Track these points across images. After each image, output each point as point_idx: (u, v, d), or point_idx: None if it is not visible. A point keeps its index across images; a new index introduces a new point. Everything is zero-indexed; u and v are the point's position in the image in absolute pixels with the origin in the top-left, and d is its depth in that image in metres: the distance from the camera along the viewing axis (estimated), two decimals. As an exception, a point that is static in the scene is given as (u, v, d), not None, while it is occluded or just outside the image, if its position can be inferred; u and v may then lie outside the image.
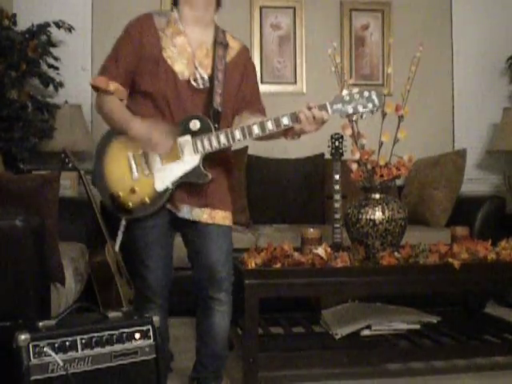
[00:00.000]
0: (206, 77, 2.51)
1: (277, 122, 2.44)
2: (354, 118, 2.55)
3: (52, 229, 2.75)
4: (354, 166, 3.24)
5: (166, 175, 2.47)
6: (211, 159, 2.52)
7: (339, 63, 3.28)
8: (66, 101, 4.64)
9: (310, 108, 2.44)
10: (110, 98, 2.52)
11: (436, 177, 4.65)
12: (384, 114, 3.21)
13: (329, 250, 3.00)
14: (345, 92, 2.48)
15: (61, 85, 4.55)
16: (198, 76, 2.50)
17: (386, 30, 5.33)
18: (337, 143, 3.66)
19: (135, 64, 2.49)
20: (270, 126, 2.43)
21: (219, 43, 2.58)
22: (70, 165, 3.83)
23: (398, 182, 4.72)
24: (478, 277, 3.04)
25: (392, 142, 3.20)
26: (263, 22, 5.22)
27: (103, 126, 2.62)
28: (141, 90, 2.52)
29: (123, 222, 2.61)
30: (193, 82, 2.50)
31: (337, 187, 3.63)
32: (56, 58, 4.54)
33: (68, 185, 4.44)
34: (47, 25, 4.44)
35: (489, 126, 5.36)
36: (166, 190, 2.47)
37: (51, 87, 4.52)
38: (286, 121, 2.44)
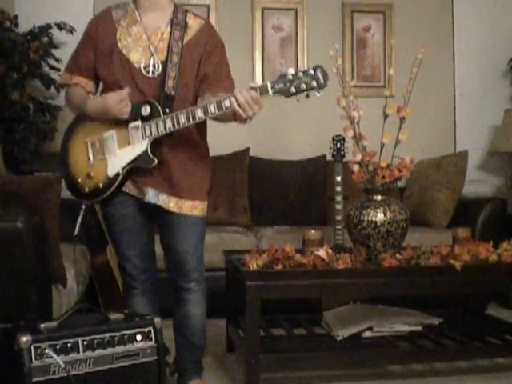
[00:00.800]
0: (158, 63, 2.53)
1: (218, 104, 2.39)
2: (298, 97, 2.39)
3: (53, 230, 2.75)
4: (356, 168, 3.24)
5: (118, 160, 2.52)
6: (177, 146, 2.55)
7: (341, 65, 3.28)
8: (68, 102, 4.64)
9: (247, 89, 2.36)
10: (71, 88, 2.67)
11: (437, 178, 4.65)
12: (385, 116, 3.21)
13: (330, 251, 3.00)
14: (290, 71, 2.37)
15: (62, 86, 4.55)
16: (151, 63, 2.53)
17: (387, 32, 5.33)
18: (338, 145, 3.67)
19: (93, 58, 2.60)
20: (212, 108, 2.39)
21: (176, 25, 2.57)
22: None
23: (400, 184, 4.71)
24: (480, 278, 3.04)
25: (393, 144, 3.19)
26: (265, 23, 5.22)
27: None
28: (102, 79, 2.62)
29: (83, 207, 2.67)
30: (143, 71, 2.53)
31: (338, 189, 3.64)
32: (57, 60, 4.54)
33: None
34: (49, 26, 4.44)
35: (490, 128, 5.36)
36: (117, 175, 2.53)
37: (53, 89, 4.52)
38: (227, 103, 2.37)
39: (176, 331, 2.76)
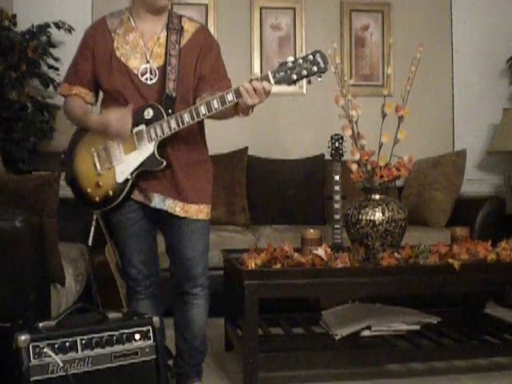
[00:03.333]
0: (155, 70, 2.53)
1: (222, 99, 2.39)
2: (302, 83, 2.40)
3: (52, 229, 2.75)
4: (354, 167, 3.24)
5: (126, 166, 2.52)
6: (180, 150, 2.55)
7: (339, 64, 3.28)
8: (66, 101, 4.64)
9: (250, 80, 2.35)
10: (70, 99, 2.66)
11: (436, 177, 4.65)
12: (384, 115, 3.21)
13: (329, 250, 3.00)
14: (290, 58, 2.35)
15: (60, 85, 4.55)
16: (148, 70, 2.53)
17: (385, 31, 5.33)
18: (337, 144, 3.66)
19: (92, 68, 2.60)
20: (215, 104, 2.39)
21: (172, 29, 2.57)
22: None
23: (398, 183, 4.72)
24: (478, 277, 3.04)
25: (392, 143, 3.20)
26: (263, 22, 5.22)
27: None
28: (103, 89, 2.62)
29: (94, 217, 2.67)
30: (141, 78, 2.53)
31: (337, 188, 3.63)
32: (56, 59, 4.54)
33: (68, 185, 4.44)
34: (47, 25, 4.45)
35: (489, 127, 5.36)
36: (126, 180, 2.52)
37: (51, 88, 4.52)
38: (230, 97, 2.38)
39: (178, 335, 2.75)
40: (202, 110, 2.41)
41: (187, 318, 2.69)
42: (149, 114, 2.48)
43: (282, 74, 2.34)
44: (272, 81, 2.34)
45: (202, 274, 2.65)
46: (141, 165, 2.50)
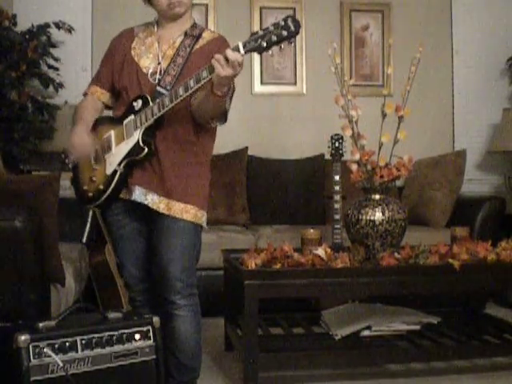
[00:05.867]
0: (164, 69, 2.50)
1: (197, 76, 2.30)
2: (270, 52, 2.22)
3: (52, 229, 2.75)
4: (354, 167, 3.24)
5: (114, 158, 2.48)
6: (172, 148, 2.48)
7: (339, 64, 3.28)
8: (66, 101, 4.64)
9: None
10: (84, 99, 2.67)
11: (436, 177, 4.65)
12: (384, 115, 3.22)
13: (329, 250, 3.00)
14: (264, 27, 2.26)
15: (61, 85, 4.55)
16: (158, 71, 2.51)
17: (385, 31, 5.33)
18: (337, 144, 3.66)
19: (112, 71, 2.60)
20: (191, 83, 2.31)
21: (189, 35, 2.56)
22: (70, 165, 3.83)
23: (398, 183, 4.71)
24: (478, 277, 3.04)
25: (392, 143, 3.20)
26: (263, 22, 5.20)
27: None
28: (117, 90, 2.61)
29: (90, 213, 2.64)
30: (150, 78, 2.51)
31: (337, 188, 3.63)
32: (56, 59, 4.54)
33: (68, 185, 4.37)
34: (47, 25, 4.44)
35: (489, 127, 5.36)
36: (115, 172, 2.47)
37: (51, 88, 4.52)
38: (204, 74, 2.28)
39: (165, 346, 2.48)
40: (180, 91, 2.33)
41: (170, 329, 2.49)
42: (138, 104, 2.45)
43: (252, 43, 2.23)
44: (242, 51, 2.21)
45: (179, 280, 2.45)
46: (127, 154, 2.45)
